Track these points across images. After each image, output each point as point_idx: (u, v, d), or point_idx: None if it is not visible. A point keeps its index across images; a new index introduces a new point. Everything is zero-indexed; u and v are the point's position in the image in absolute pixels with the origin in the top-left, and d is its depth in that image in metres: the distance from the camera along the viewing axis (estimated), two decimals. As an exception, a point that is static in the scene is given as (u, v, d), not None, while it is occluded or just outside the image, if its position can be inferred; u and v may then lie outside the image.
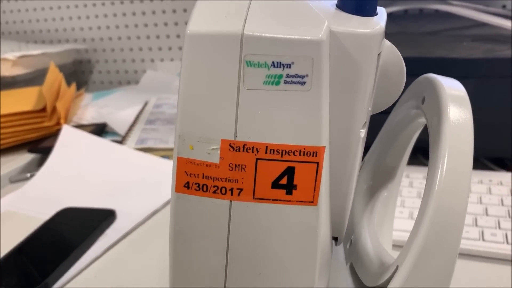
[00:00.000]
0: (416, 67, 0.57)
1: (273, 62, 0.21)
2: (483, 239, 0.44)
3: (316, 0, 0.24)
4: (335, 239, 0.28)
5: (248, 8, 0.22)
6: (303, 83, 0.21)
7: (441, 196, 0.23)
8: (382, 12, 0.24)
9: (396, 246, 0.37)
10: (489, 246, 0.43)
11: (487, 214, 0.48)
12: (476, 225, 0.46)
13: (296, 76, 0.21)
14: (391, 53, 0.25)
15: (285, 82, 0.21)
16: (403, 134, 0.32)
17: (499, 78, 0.54)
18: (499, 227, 0.46)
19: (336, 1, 0.24)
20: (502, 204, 0.49)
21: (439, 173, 0.23)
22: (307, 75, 0.21)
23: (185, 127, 0.22)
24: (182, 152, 0.22)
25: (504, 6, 0.85)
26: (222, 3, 0.22)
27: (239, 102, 0.21)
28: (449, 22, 0.71)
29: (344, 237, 0.33)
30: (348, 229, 0.33)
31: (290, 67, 0.21)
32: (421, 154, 0.58)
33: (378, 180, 0.35)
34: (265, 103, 0.21)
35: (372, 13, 0.23)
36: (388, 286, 0.24)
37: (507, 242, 0.43)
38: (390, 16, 0.72)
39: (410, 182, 0.54)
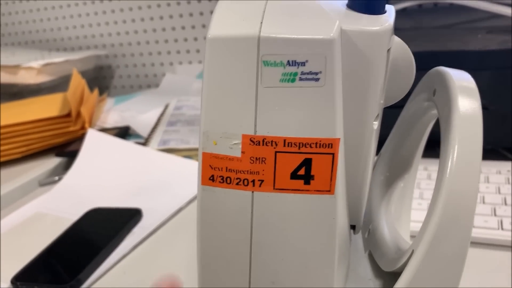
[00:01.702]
0: (431, 61, 0.58)
1: (288, 61, 0.22)
2: (502, 228, 0.45)
3: (327, 0, 0.25)
4: (353, 227, 0.29)
5: (264, 11, 0.23)
6: (317, 80, 0.22)
7: (453, 182, 0.24)
8: (390, 10, 0.25)
9: (415, 236, 0.38)
10: (508, 235, 0.44)
11: (505, 204, 0.48)
12: (495, 214, 0.47)
13: (310, 73, 0.22)
14: (401, 49, 0.26)
15: (300, 79, 0.22)
16: (417, 126, 0.33)
17: (515, 69, 0.54)
18: (518, 216, 0.46)
19: (346, 1, 0.25)
20: (521, 194, 0.49)
21: (450, 160, 0.24)
22: (320, 72, 0.22)
23: (208, 124, 0.24)
24: (207, 147, 0.24)
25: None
26: (240, 7, 0.24)
27: (257, 99, 0.23)
28: (463, 15, 0.71)
29: (362, 226, 0.35)
30: (366, 218, 0.35)
31: (304, 65, 0.22)
32: (439, 147, 0.58)
33: (395, 171, 0.36)
34: (282, 100, 0.23)
35: (381, 11, 0.24)
36: (404, 270, 0.25)
37: (527, 231, 0.44)
38: (404, 11, 0.73)
39: (428, 175, 0.55)
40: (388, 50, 0.24)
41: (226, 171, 0.24)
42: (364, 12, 0.24)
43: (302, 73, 0.22)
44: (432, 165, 0.56)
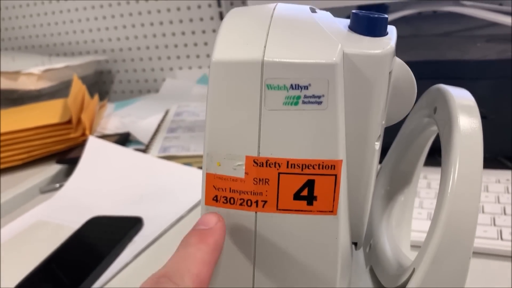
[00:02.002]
0: (431, 71, 0.58)
1: (291, 85, 0.22)
2: (501, 238, 0.45)
3: (330, 22, 0.25)
4: (354, 244, 0.30)
5: (267, 34, 0.23)
6: (319, 103, 0.23)
7: (453, 201, 0.24)
8: (392, 31, 0.25)
9: (415, 246, 0.38)
10: (507, 245, 0.44)
11: (505, 213, 0.48)
12: (494, 224, 0.47)
13: (313, 96, 0.22)
14: (402, 70, 0.26)
15: (303, 102, 0.23)
16: (417, 141, 0.34)
17: (513, 78, 0.54)
18: (518, 226, 0.46)
19: (348, 22, 0.25)
20: (520, 203, 0.50)
21: (450, 180, 0.25)
22: (323, 95, 0.22)
23: (212, 146, 0.24)
24: (210, 168, 0.24)
25: (518, 3, 0.85)
26: (243, 29, 0.24)
27: (261, 121, 0.23)
28: (463, 23, 0.71)
29: (364, 241, 0.35)
30: (367, 233, 0.35)
31: (307, 89, 0.22)
32: (439, 154, 0.59)
33: (395, 185, 0.36)
34: (285, 122, 0.23)
35: (383, 33, 0.24)
36: (406, 287, 0.25)
37: (526, 241, 0.44)
38: (404, 18, 0.74)
39: (428, 183, 0.55)
40: (390, 72, 0.24)
41: (230, 191, 0.24)
42: (366, 35, 0.24)
43: (305, 97, 0.23)
44: (432, 174, 0.56)
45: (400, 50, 0.63)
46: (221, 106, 0.23)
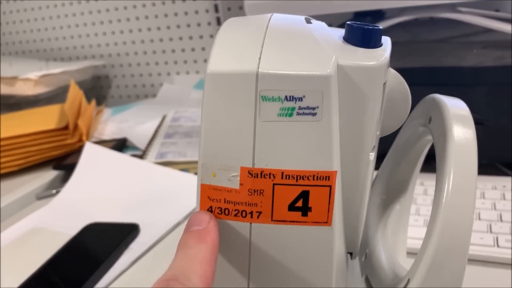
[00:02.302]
0: (428, 77, 0.58)
1: (286, 96, 0.23)
2: (497, 245, 0.45)
3: (324, 33, 0.25)
4: (350, 254, 0.30)
5: (262, 46, 0.23)
6: (314, 114, 0.23)
7: (448, 212, 0.24)
8: (386, 42, 0.25)
9: (412, 253, 0.38)
10: (504, 252, 0.44)
11: (501, 220, 0.48)
12: (491, 231, 0.47)
13: (308, 108, 0.23)
14: (397, 81, 0.26)
15: (298, 113, 0.23)
16: (412, 150, 0.34)
17: (509, 85, 0.55)
18: (514, 233, 0.46)
19: (343, 33, 0.25)
20: (516, 210, 0.50)
21: (445, 191, 0.25)
22: (317, 107, 0.23)
23: (207, 156, 0.24)
24: (205, 179, 0.24)
25: (514, 9, 0.86)
26: (238, 40, 0.24)
27: (256, 133, 0.23)
28: (459, 29, 0.72)
29: (359, 250, 0.35)
30: (363, 242, 0.35)
31: (301, 100, 0.22)
32: (435, 161, 0.59)
33: (391, 194, 0.36)
34: (280, 133, 0.23)
35: (377, 44, 0.24)
36: (401, 298, 0.26)
37: (522, 248, 0.44)
38: (401, 24, 0.74)
39: (424, 190, 0.55)
40: (384, 83, 0.24)
41: (225, 202, 0.24)
42: (361, 46, 0.24)
43: (300, 108, 0.23)
44: (428, 180, 0.56)
45: (397, 56, 0.64)
46: (216, 117, 0.23)
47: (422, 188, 0.56)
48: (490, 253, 0.44)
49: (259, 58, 0.23)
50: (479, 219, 0.49)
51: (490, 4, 0.84)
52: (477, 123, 0.58)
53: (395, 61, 0.62)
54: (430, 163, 0.54)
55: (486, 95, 0.56)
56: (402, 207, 0.36)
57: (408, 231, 0.38)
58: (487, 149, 0.58)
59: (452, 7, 0.70)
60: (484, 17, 0.68)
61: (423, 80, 0.58)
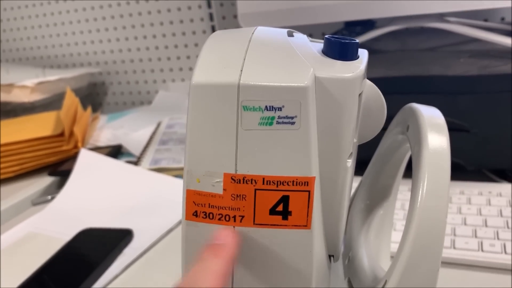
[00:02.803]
0: (415, 85, 0.60)
1: (266, 106, 0.24)
2: (482, 250, 0.46)
3: (304, 46, 0.27)
4: (332, 256, 0.31)
5: (244, 59, 0.25)
6: (293, 123, 0.24)
7: (421, 216, 0.26)
8: (363, 54, 0.27)
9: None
10: (488, 256, 0.45)
11: (486, 225, 0.49)
12: (476, 236, 0.48)
13: (287, 117, 0.24)
14: (372, 91, 0.28)
15: (277, 122, 0.24)
16: (394, 157, 0.35)
17: (494, 93, 0.56)
18: (498, 238, 0.47)
19: (321, 47, 0.27)
20: (501, 215, 0.51)
21: (419, 196, 0.26)
22: (296, 116, 0.24)
23: (192, 163, 0.25)
24: (190, 185, 0.26)
25: (503, 19, 0.87)
26: (222, 53, 0.26)
27: (238, 141, 0.24)
28: (448, 38, 0.73)
29: (343, 253, 0.36)
30: (346, 246, 0.36)
31: (281, 110, 0.24)
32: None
33: (374, 199, 0.37)
34: (261, 141, 0.24)
35: (354, 57, 0.26)
36: (379, 298, 0.27)
37: (506, 252, 0.45)
38: (391, 33, 0.75)
39: (411, 196, 0.56)
40: (360, 94, 0.26)
41: (209, 207, 0.25)
42: (338, 58, 0.25)
43: (279, 117, 0.24)
44: (416, 187, 0.57)
45: (387, 64, 0.65)
46: (200, 126, 0.25)
47: (409, 194, 0.57)
48: (475, 257, 0.45)
49: (241, 70, 0.24)
50: (465, 224, 0.50)
51: (478, 14, 0.85)
52: (464, 130, 0.59)
53: (384, 70, 0.63)
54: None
55: (472, 103, 0.57)
56: (385, 212, 0.37)
57: (395, 233, 0.40)
58: (473, 156, 0.59)
59: (441, 17, 0.72)
60: (472, 27, 0.70)
61: (410, 88, 0.60)
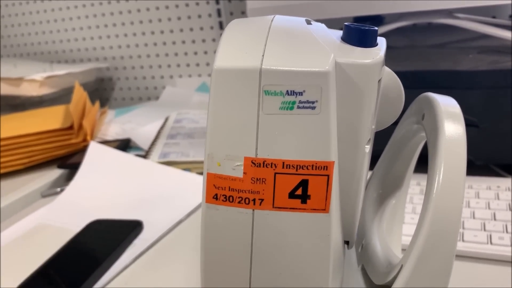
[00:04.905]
0: (425, 80, 0.60)
1: (287, 91, 0.24)
2: (491, 243, 0.46)
3: (324, 33, 0.27)
4: (347, 243, 0.31)
5: (265, 45, 0.25)
6: (313, 108, 0.24)
7: (438, 203, 0.26)
8: (382, 42, 0.27)
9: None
10: (497, 249, 0.45)
11: (495, 219, 0.50)
12: (484, 229, 0.48)
13: (307, 102, 0.24)
14: (391, 79, 0.28)
15: (298, 107, 0.24)
16: (407, 147, 0.35)
17: (503, 89, 0.56)
18: (507, 231, 0.47)
19: (341, 34, 0.27)
20: (509, 209, 0.51)
21: (436, 181, 0.26)
22: (316, 101, 0.24)
23: (213, 147, 0.26)
24: (211, 168, 0.26)
25: (511, 16, 0.87)
26: (243, 39, 0.26)
27: (259, 125, 0.25)
28: (456, 34, 0.73)
29: (356, 241, 0.36)
30: (360, 234, 0.37)
31: (302, 95, 0.24)
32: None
33: (387, 189, 0.38)
34: (281, 125, 0.25)
35: (373, 44, 0.26)
36: (394, 284, 0.27)
37: (514, 245, 0.46)
38: (399, 29, 0.76)
39: (421, 190, 0.57)
40: (379, 80, 0.26)
41: (229, 190, 0.26)
42: (357, 45, 0.26)
43: (300, 102, 0.24)
44: (424, 181, 0.57)
45: (395, 60, 0.65)
46: (222, 110, 0.25)
47: (418, 188, 0.57)
48: (484, 250, 0.46)
49: (263, 55, 0.24)
50: (474, 217, 0.50)
51: (486, 10, 0.85)
52: (473, 125, 0.60)
53: (393, 66, 0.64)
54: (427, 165, 0.56)
55: (481, 98, 0.58)
56: (398, 201, 0.37)
57: (403, 226, 0.40)
58: (482, 151, 0.60)
59: (449, 13, 0.72)
60: (480, 23, 0.70)
61: (420, 83, 0.60)
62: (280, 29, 0.27)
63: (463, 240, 0.47)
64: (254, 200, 0.26)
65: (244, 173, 0.25)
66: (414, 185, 0.57)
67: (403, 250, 0.39)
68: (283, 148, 0.25)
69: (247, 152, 0.25)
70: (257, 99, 0.25)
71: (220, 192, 0.26)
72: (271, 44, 0.25)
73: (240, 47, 0.25)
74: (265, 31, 0.26)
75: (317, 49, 0.25)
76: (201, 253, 0.28)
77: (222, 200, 0.26)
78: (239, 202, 0.26)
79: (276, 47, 0.25)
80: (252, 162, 0.25)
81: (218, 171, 0.26)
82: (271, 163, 0.25)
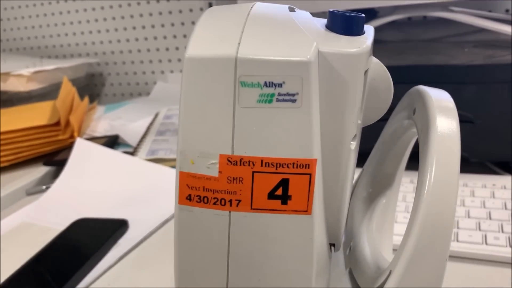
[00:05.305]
0: (419, 75, 0.59)
1: (265, 82, 0.22)
2: (486, 243, 0.45)
3: (307, 21, 0.25)
4: (332, 245, 0.30)
5: (242, 32, 0.23)
6: (294, 101, 0.22)
7: (429, 203, 0.24)
8: (369, 30, 0.25)
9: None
10: (492, 250, 0.44)
11: (490, 218, 0.48)
12: (480, 229, 0.47)
13: (287, 94, 0.22)
14: (379, 69, 0.26)
15: (277, 100, 0.22)
16: (398, 143, 0.34)
17: (499, 83, 0.55)
18: (502, 231, 0.46)
19: (325, 21, 0.25)
20: (505, 208, 0.50)
21: (427, 181, 0.24)
22: (297, 93, 0.22)
23: (186, 143, 0.24)
24: (184, 166, 0.24)
25: (507, 10, 0.86)
26: (218, 26, 0.24)
27: (235, 119, 0.23)
28: (451, 28, 0.72)
29: (344, 243, 0.35)
30: (348, 235, 0.35)
31: (281, 86, 0.22)
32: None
33: (377, 187, 0.36)
34: (259, 120, 0.23)
35: (359, 32, 0.24)
36: (382, 290, 0.25)
37: (510, 246, 0.44)
38: (393, 23, 0.74)
39: (414, 188, 0.55)
40: (366, 71, 0.24)
41: (204, 190, 0.24)
42: (343, 33, 0.24)
43: (279, 94, 0.22)
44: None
45: (390, 54, 0.64)
46: (195, 103, 0.23)
47: (411, 185, 0.55)
48: (479, 250, 0.44)
49: (239, 43, 0.23)
50: (468, 217, 0.49)
51: (482, 4, 0.84)
52: (468, 121, 0.58)
53: (387, 60, 0.62)
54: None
55: (477, 93, 0.56)
56: (389, 200, 0.35)
57: (395, 225, 0.38)
58: (477, 148, 0.58)
59: (445, 7, 0.70)
60: (476, 16, 0.68)
61: (414, 78, 0.58)
62: (259, 16, 0.25)
63: (457, 240, 0.45)
64: (230, 201, 0.24)
65: (219, 172, 0.24)
66: (407, 183, 0.56)
67: (394, 250, 0.38)
68: (261, 144, 0.23)
69: (223, 149, 0.23)
70: (232, 91, 0.23)
71: (194, 192, 0.24)
72: (248, 32, 0.23)
73: (214, 35, 0.23)
74: (243, 18, 0.24)
75: (298, 37, 0.23)
76: (174, 257, 0.26)
77: (196, 201, 0.24)
78: (214, 203, 0.24)
79: (254, 34, 0.23)
80: (228, 160, 0.23)
81: (191, 169, 0.24)
82: (249, 161, 0.23)
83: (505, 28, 0.64)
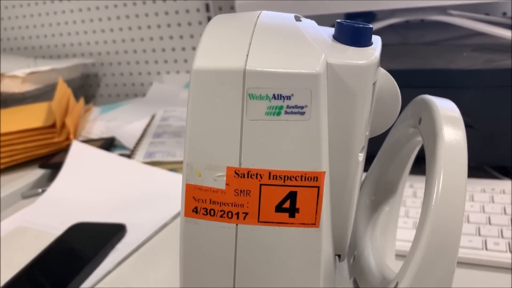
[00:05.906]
0: (417, 79, 0.58)
1: (274, 95, 0.22)
2: (486, 248, 0.45)
3: (314, 31, 0.25)
4: (338, 256, 0.29)
5: (250, 43, 0.23)
6: (302, 113, 0.22)
7: (437, 214, 0.24)
8: (377, 41, 0.25)
9: (401, 256, 0.38)
10: (492, 255, 0.44)
11: (490, 223, 0.48)
12: (479, 234, 0.47)
13: (296, 107, 0.22)
14: (387, 81, 0.26)
15: (286, 112, 0.22)
16: (402, 152, 0.33)
17: (498, 88, 0.55)
18: (502, 236, 0.46)
19: (332, 32, 0.25)
20: (505, 213, 0.50)
21: (434, 193, 0.24)
22: (306, 106, 0.22)
23: (192, 155, 0.24)
24: (190, 179, 0.24)
25: (504, 13, 0.86)
26: (227, 35, 0.24)
27: (243, 132, 0.23)
28: (450, 32, 0.72)
29: (348, 252, 0.34)
30: (352, 244, 0.35)
31: (290, 99, 0.22)
32: (425, 163, 0.58)
33: (380, 195, 0.36)
34: (268, 132, 0.23)
35: (367, 43, 0.24)
36: (389, 302, 0.25)
37: (510, 251, 0.44)
38: (391, 26, 0.74)
39: (413, 192, 0.55)
40: (374, 83, 0.24)
41: (210, 203, 0.24)
42: (350, 44, 0.24)
43: (288, 107, 0.22)
44: (417, 183, 0.56)
45: (387, 58, 0.64)
46: (202, 116, 0.23)
47: (411, 190, 0.55)
48: (479, 256, 0.44)
49: (247, 55, 0.22)
50: (468, 222, 0.49)
51: (479, 8, 0.84)
52: (467, 126, 0.58)
53: (385, 63, 0.62)
54: (420, 165, 0.54)
55: (476, 97, 0.56)
56: (391, 208, 0.35)
57: (397, 233, 0.38)
58: (476, 152, 0.58)
59: (443, 10, 0.70)
60: (474, 20, 0.68)
61: (413, 82, 0.58)
62: (266, 26, 0.24)
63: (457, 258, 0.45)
64: (237, 213, 0.24)
65: (226, 184, 0.23)
66: (407, 187, 0.55)
67: (397, 256, 0.38)
68: (269, 157, 0.23)
69: (230, 162, 0.23)
70: (240, 104, 0.22)
71: (201, 205, 0.24)
72: (256, 43, 0.23)
73: (222, 46, 0.23)
74: (250, 28, 0.24)
75: (306, 48, 0.23)
76: (180, 269, 0.26)
77: (203, 214, 0.24)
78: (221, 216, 0.24)
79: (262, 46, 0.23)
80: (235, 172, 0.23)
81: (198, 182, 0.24)
82: (256, 174, 0.23)
83: (504, 33, 0.64)
